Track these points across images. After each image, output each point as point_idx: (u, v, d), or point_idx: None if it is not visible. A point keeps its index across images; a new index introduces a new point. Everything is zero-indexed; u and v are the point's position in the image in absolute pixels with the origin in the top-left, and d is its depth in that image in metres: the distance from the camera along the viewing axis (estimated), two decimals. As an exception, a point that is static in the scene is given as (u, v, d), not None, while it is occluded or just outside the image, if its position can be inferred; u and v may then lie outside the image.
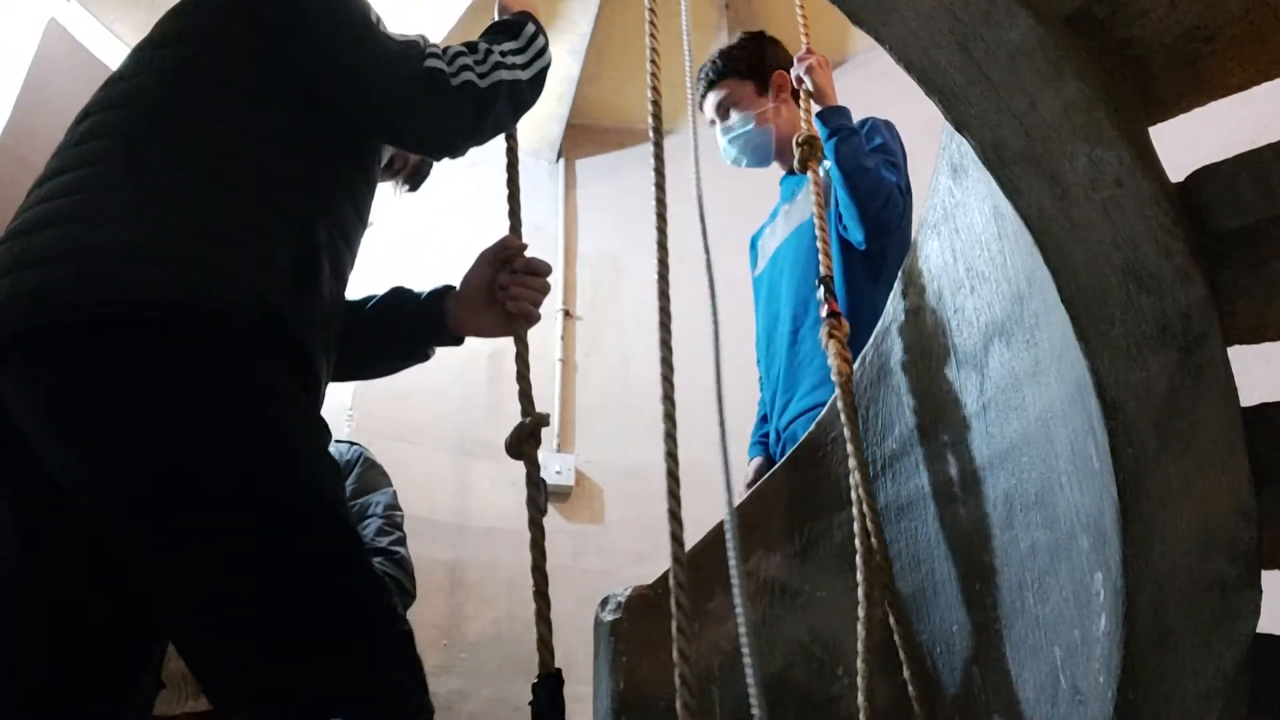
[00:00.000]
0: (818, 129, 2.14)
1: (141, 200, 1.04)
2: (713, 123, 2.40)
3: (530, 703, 1.12)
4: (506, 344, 1.41)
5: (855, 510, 1.45)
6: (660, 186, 1.32)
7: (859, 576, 1.40)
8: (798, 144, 2.04)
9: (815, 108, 2.15)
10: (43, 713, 1.00)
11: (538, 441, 1.26)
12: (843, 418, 1.49)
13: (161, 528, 0.96)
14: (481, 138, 1.31)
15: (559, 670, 1.13)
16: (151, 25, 1.25)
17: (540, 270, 1.41)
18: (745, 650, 0.92)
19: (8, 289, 0.99)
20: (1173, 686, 1.02)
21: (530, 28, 1.39)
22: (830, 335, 1.68)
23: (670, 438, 1.19)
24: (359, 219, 1.29)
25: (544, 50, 1.39)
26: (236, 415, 1.00)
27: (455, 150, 1.31)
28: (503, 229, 1.47)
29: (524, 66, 1.33)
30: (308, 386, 1.12)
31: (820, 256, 1.83)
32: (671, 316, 1.27)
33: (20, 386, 0.98)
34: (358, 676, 0.96)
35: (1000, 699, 1.33)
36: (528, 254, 1.43)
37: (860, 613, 1.39)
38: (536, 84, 1.37)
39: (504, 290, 1.38)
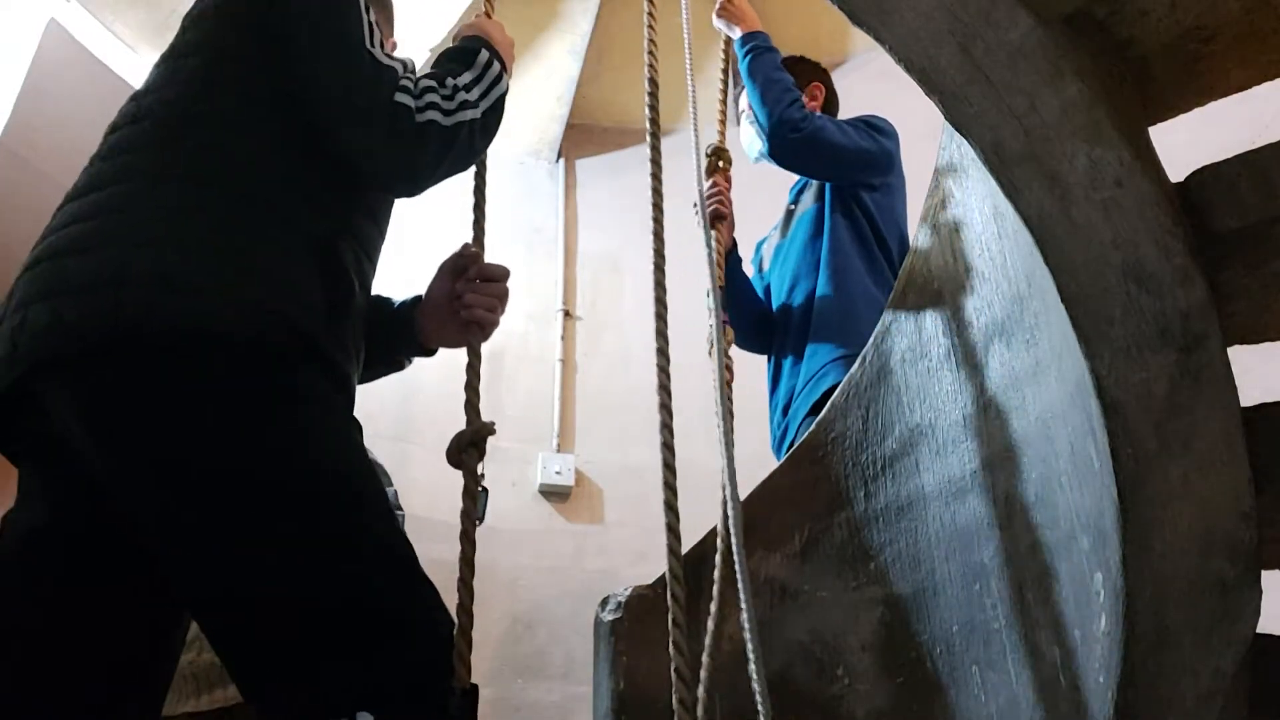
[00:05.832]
0: (736, 52, 2.16)
1: (170, 223, 1.08)
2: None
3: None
4: (507, 344, 1.41)
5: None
6: (656, 177, 1.29)
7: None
8: (707, 154, 2.01)
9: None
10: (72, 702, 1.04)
11: (480, 452, 1.23)
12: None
13: (190, 529, 1.02)
14: (439, 177, 1.27)
15: (474, 686, 1.09)
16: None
17: (496, 276, 1.36)
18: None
19: (49, 314, 1.03)
20: (1172, 687, 1.02)
21: (484, 55, 1.33)
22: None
23: (666, 428, 1.18)
24: (378, 231, 1.30)
25: (499, 78, 1.34)
26: (263, 415, 1.05)
27: (412, 188, 1.27)
28: (501, 229, 1.46)
29: (479, 100, 1.29)
30: (342, 391, 1.16)
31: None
32: (667, 309, 1.25)
33: (64, 404, 1.04)
34: (380, 672, 0.99)
35: (1000, 699, 1.33)
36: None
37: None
38: (495, 113, 1.33)
39: (458, 300, 1.35)
